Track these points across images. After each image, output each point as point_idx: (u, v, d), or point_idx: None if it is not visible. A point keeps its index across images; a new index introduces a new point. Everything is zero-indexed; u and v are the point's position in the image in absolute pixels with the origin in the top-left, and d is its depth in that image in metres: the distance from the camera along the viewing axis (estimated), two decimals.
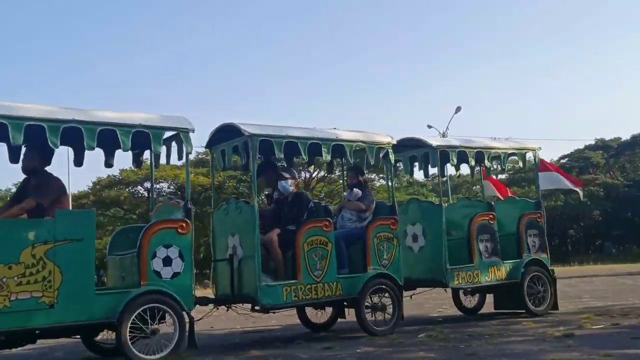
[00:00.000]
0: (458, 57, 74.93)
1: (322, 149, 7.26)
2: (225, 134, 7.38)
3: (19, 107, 5.61)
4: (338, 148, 7.45)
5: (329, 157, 7.46)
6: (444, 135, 31.15)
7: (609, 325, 6.99)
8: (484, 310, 9.34)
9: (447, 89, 71.05)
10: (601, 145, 42.24)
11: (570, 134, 78.25)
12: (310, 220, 6.99)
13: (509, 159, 9.20)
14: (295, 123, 7.75)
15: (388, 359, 5.55)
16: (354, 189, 7.74)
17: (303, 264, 6.74)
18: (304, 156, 7.23)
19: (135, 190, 32.05)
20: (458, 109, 30.27)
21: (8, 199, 6.33)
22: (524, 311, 8.47)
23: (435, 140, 8.35)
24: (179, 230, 6.12)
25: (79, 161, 6.68)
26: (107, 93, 63.93)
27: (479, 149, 8.58)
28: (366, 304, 7.14)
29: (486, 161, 8.64)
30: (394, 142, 7.91)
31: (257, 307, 6.76)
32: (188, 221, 6.20)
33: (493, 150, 8.75)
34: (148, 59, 66.06)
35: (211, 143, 7.65)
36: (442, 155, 8.24)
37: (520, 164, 9.37)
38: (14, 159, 6.33)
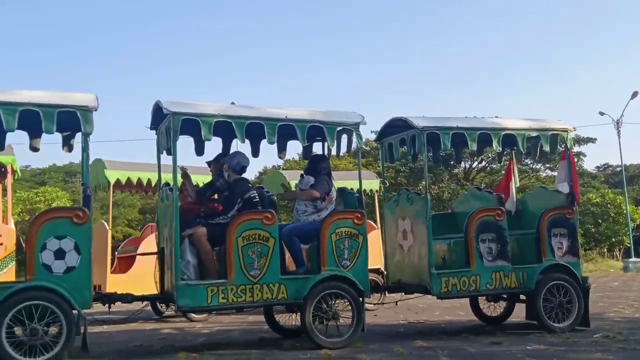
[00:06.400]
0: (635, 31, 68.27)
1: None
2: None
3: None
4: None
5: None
6: (618, 123, 28.94)
7: None
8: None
9: (624, 71, 65.31)
10: None
11: None
12: (246, 212, 6.16)
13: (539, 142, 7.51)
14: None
15: (561, 358, 5.37)
16: (305, 176, 6.89)
17: (236, 261, 5.94)
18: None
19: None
20: (634, 94, 27.87)
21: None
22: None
23: (423, 121, 6.98)
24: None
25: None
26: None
27: (484, 130, 7.11)
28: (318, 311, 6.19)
29: (495, 144, 7.15)
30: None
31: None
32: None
33: (504, 132, 7.20)
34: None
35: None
36: (434, 137, 7.01)
37: (547, 148, 7.46)
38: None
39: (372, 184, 11.55)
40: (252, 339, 6.99)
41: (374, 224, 10.77)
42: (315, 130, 6.58)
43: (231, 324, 8.06)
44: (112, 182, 9.50)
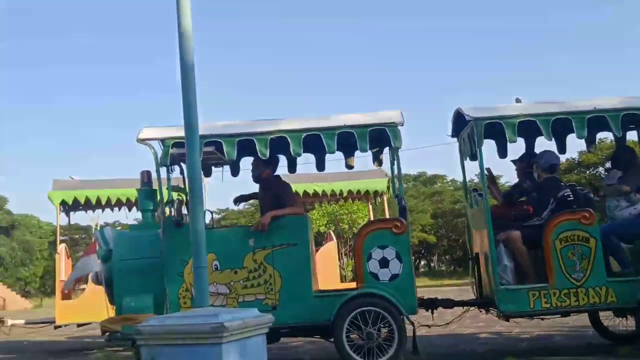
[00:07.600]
0: None
1: None
2: None
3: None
4: None
5: None
6: None
7: None
8: None
9: None
10: None
11: None
12: (561, 213, 5.80)
13: None
14: None
15: None
16: (611, 171, 6.51)
17: (555, 264, 5.65)
18: None
19: (596, 172, 31.49)
20: None
21: None
22: None
23: None
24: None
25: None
26: None
27: None
28: None
29: None
30: None
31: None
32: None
33: None
34: None
35: None
36: None
37: None
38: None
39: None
40: (577, 344, 6.61)
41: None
42: (630, 118, 6.05)
43: (550, 328, 7.74)
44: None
